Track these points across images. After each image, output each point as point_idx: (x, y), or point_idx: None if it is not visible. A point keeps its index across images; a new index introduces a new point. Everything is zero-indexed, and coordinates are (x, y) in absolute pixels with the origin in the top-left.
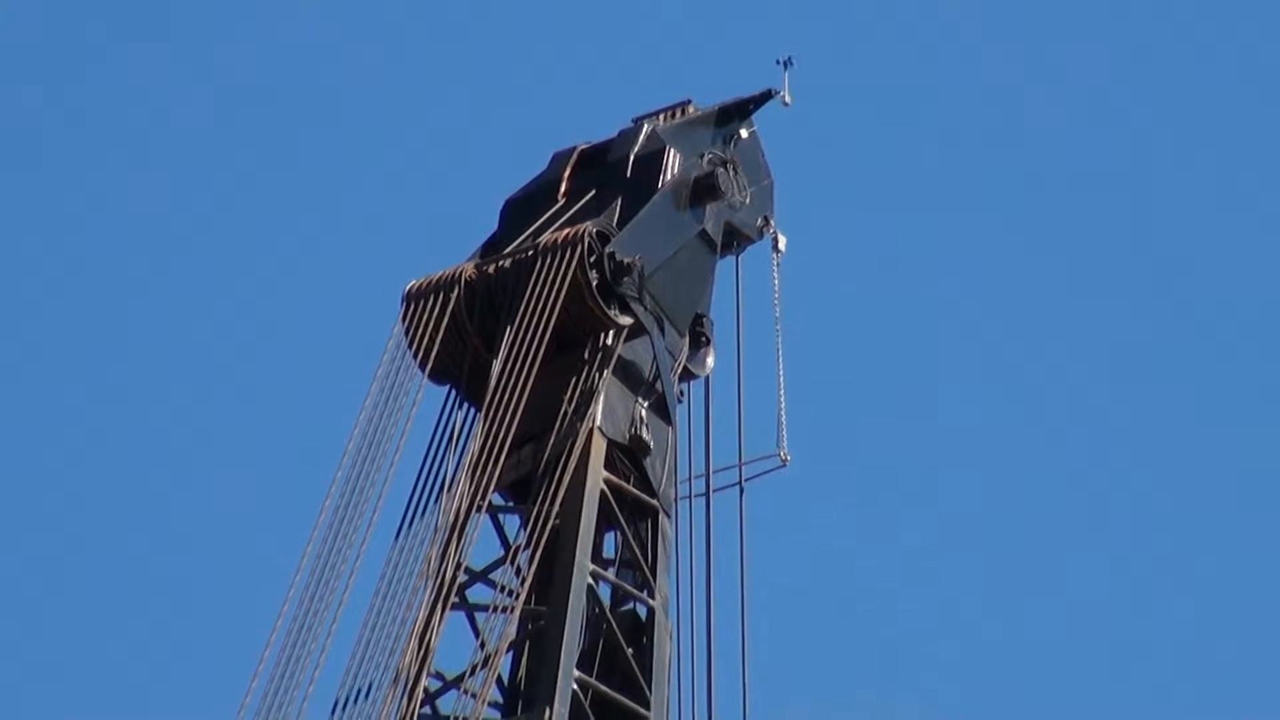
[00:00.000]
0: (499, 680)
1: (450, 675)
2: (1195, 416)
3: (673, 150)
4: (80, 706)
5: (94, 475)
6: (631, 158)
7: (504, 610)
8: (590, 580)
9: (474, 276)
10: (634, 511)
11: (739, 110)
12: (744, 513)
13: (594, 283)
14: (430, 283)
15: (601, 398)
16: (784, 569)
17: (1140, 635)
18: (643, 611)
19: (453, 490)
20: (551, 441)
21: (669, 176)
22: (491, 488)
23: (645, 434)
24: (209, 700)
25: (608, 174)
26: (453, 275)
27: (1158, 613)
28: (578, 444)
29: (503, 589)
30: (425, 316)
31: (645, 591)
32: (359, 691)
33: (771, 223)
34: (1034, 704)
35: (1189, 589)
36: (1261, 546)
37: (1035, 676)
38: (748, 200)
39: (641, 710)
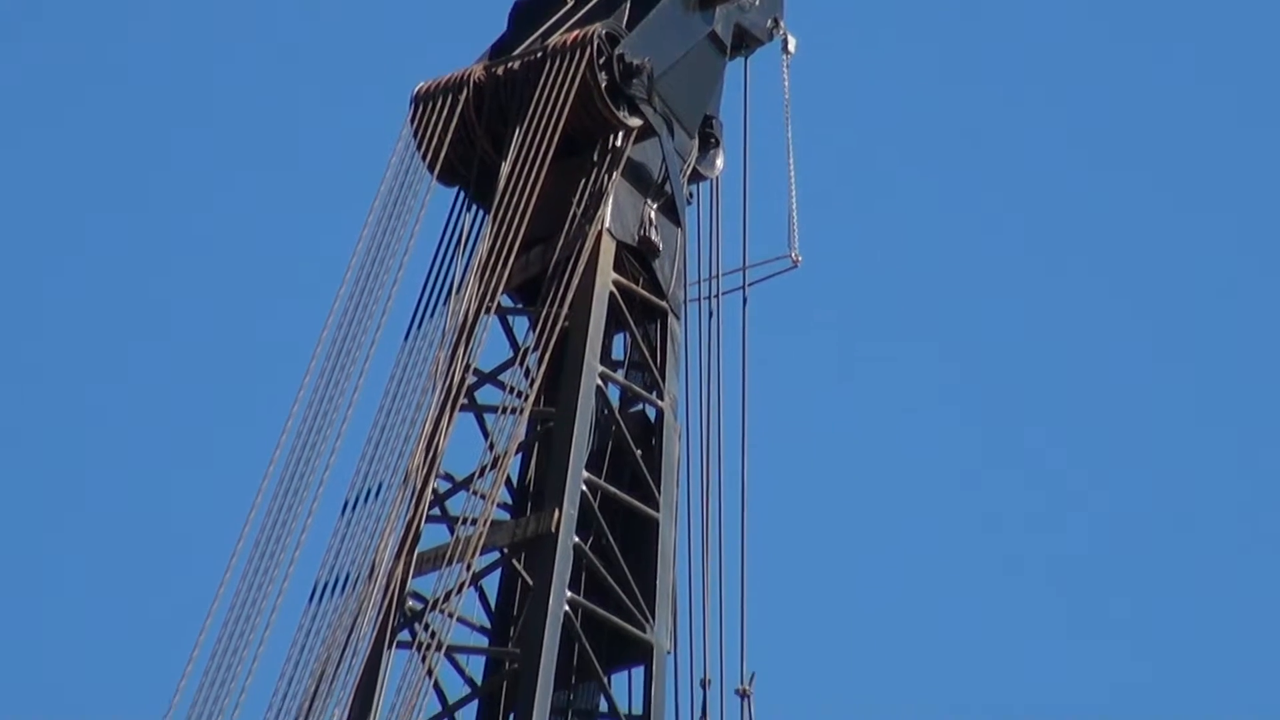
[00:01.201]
0: (508, 481)
1: (459, 477)
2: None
3: None
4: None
5: (98, 279)
6: None
7: (513, 411)
8: (599, 382)
9: (483, 78)
10: (643, 313)
11: None
12: (747, 316)
13: (603, 84)
14: (439, 85)
15: (610, 199)
16: (796, 369)
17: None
18: (651, 413)
19: (461, 292)
20: (560, 243)
21: None
22: (500, 289)
23: (654, 235)
24: (220, 498)
25: None
26: (461, 77)
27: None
28: (586, 245)
29: (512, 390)
30: (434, 118)
31: (654, 393)
32: (368, 492)
33: (781, 24)
34: None
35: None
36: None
37: None
38: (757, 2)
39: (650, 511)
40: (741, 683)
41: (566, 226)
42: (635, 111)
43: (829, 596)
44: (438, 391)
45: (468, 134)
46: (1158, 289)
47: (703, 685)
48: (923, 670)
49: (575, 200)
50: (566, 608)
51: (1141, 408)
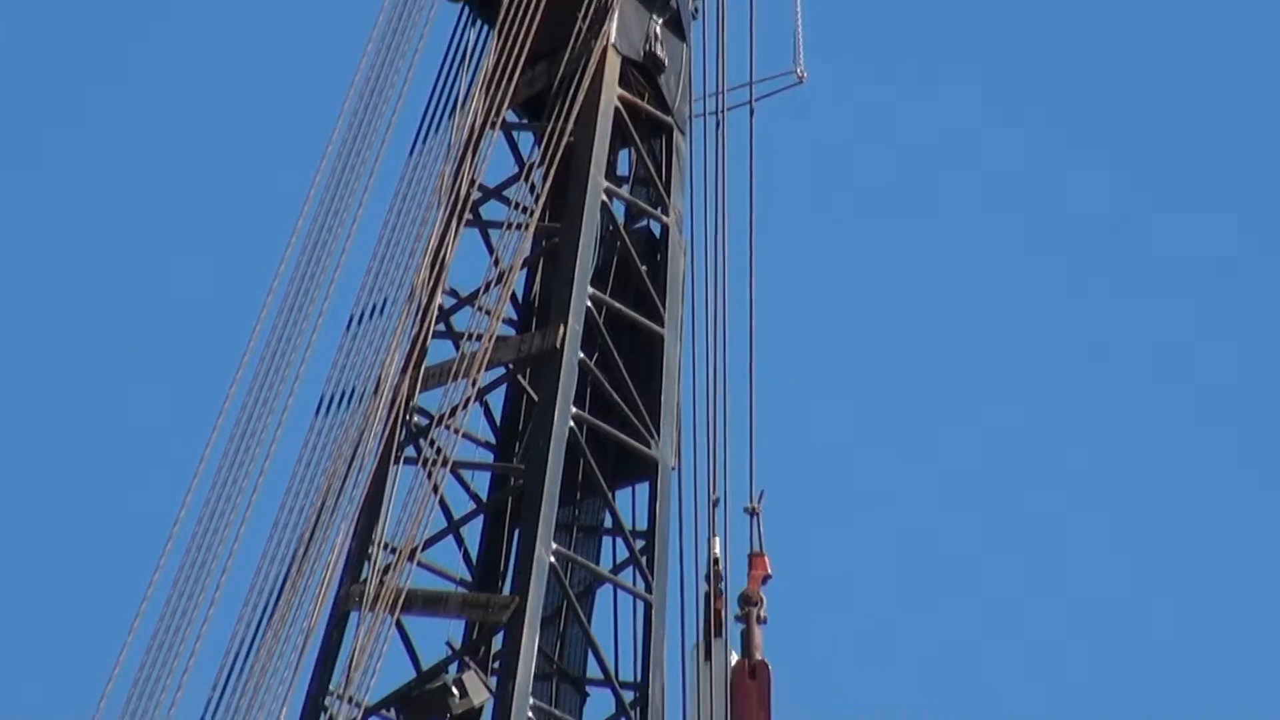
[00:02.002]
0: (513, 297)
1: (464, 293)
2: None
3: None
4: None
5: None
6: None
7: (518, 227)
8: (604, 197)
9: None
10: (648, 129)
11: None
12: (754, 131)
13: None
14: None
15: (616, 14)
16: (801, 186)
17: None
18: (656, 229)
19: (466, 107)
20: (565, 59)
21: None
22: (505, 105)
23: (660, 50)
24: (225, 313)
25: None
26: None
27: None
28: (592, 60)
29: (517, 206)
30: None
31: (659, 209)
32: (374, 308)
33: None
34: None
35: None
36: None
37: None
38: None
39: (655, 327)
40: (750, 500)
41: (571, 42)
42: None
43: (838, 414)
44: (443, 207)
45: None
46: None
47: (712, 504)
48: (930, 487)
49: (580, 15)
50: (571, 424)
51: None
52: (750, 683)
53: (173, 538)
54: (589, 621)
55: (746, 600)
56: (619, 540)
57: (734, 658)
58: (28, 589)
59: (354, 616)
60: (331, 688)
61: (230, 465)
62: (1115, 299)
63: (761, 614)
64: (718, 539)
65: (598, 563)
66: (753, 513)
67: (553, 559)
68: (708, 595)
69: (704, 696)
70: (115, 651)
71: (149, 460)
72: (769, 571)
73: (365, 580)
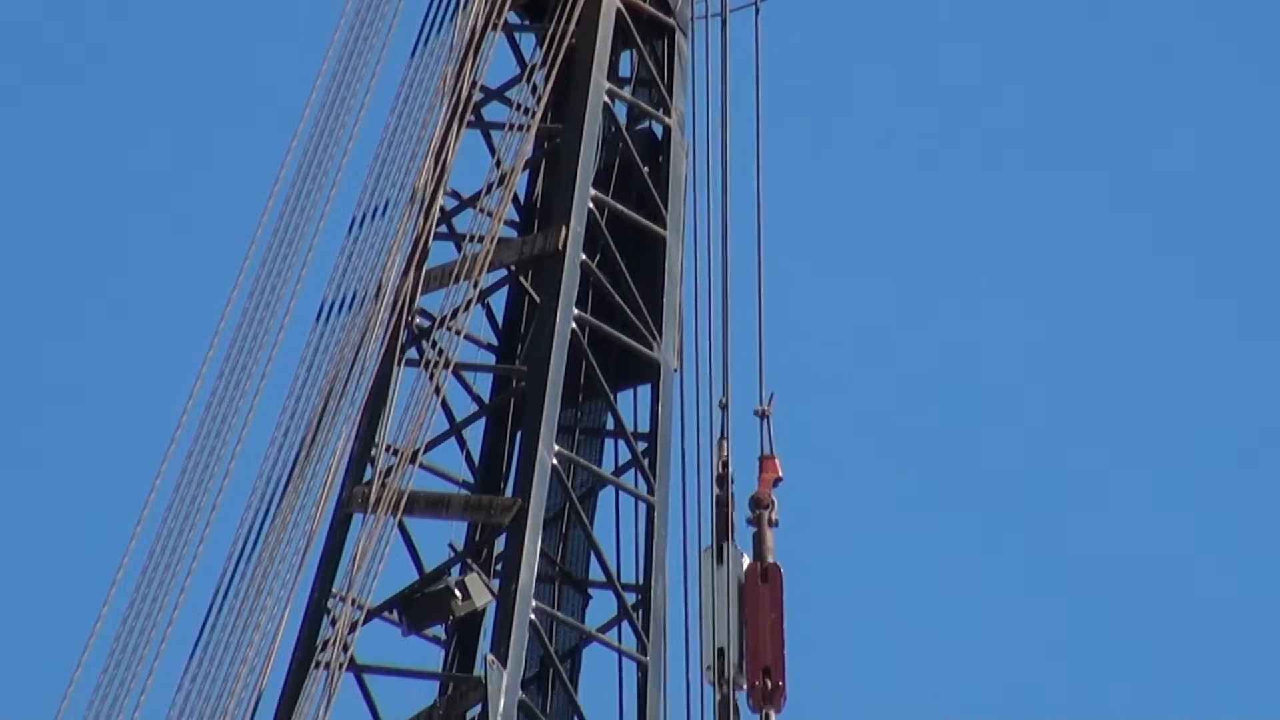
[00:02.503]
0: (514, 199)
1: (466, 194)
2: None
3: None
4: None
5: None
6: None
7: (520, 129)
8: (606, 99)
9: None
10: (650, 30)
11: None
12: (760, 31)
13: None
14: None
15: None
16: (803, 89)
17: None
18: (659, 131)
19: (468, 8)
20: None
21: None
22: (507, 5)
23: None
24: (227, 215)
25: None
26: None
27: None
28: None
29: (518, 107)
30: None
31: (661, 110)
32: (375, 210)
33: None
34: None
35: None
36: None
37: None
38: None
39: (657, 229)
40: (760, 403)
41: None
42: None
43: (846, 318)
44: (445, 108)
45: None
46: None
47: (722, 407)
48: (944, 384)
49: None
50: (573, 325)
51: None
52: (762, 586)
53: (174, 442)
54: (591, 524)
55: (757, 503)
56: (621, 442)
57: (746, 561)
58: (28, 476)
59: (356, 519)
60: (334, 590)
61: (232, 370)
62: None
63: (773, 517)
64: (727, 442)
65: (600, 465)
66: (763, 415)
67: (555, 461)
68: (718, 498)
69: (715, 600)
70: (117, 560)
71: (150, 364)
72: (780, 474)
73: (367, 483)
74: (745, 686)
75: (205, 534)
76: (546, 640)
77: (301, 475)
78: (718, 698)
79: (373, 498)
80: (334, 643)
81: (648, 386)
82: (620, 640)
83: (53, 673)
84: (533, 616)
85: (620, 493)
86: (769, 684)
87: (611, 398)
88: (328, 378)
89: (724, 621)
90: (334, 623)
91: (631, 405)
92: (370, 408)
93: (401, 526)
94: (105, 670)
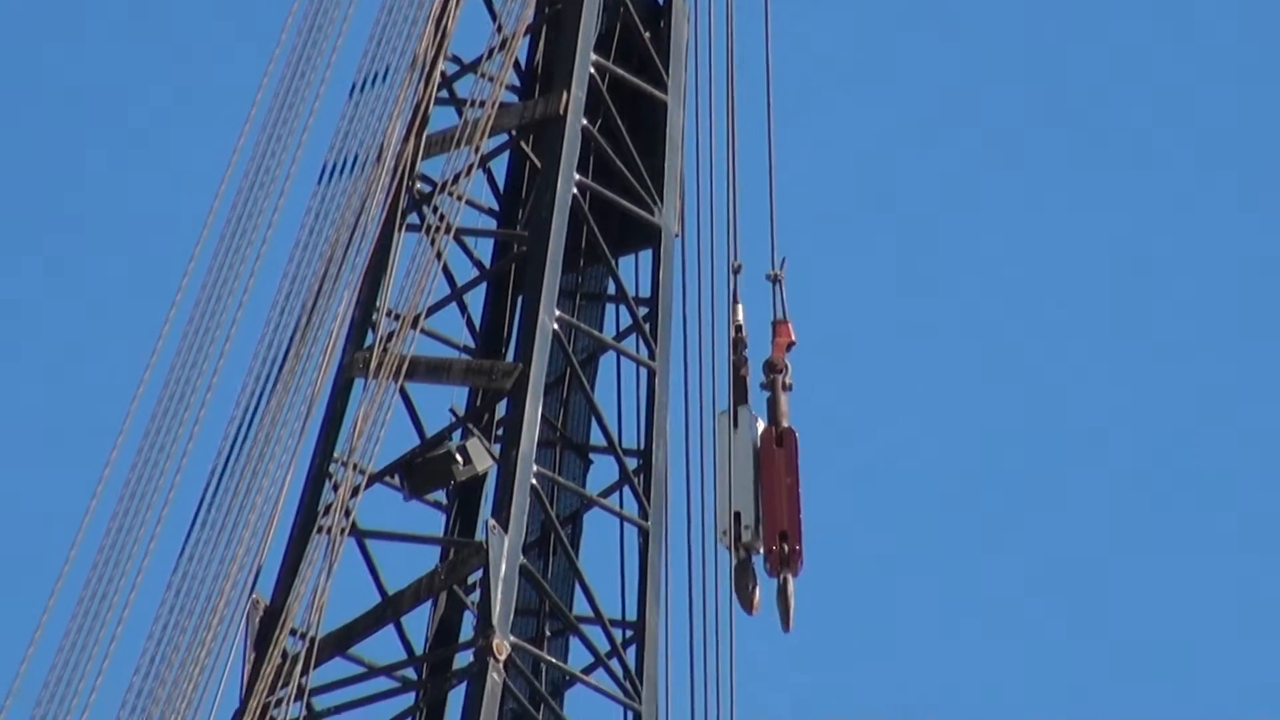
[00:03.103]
0: (516, 64)
1: (467, 59)
2: None
3: None
4: None
5: None
6: None
7: None
8: None
9: None
10: None
11: None
12: None
13: None
14: None
15: None
16: None
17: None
18: None
19: None
20: None
21: None
22: None
23: None
24: (224, 80)
25: None
26: None
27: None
28: None
29: None
30: None
31: None
32: (376, 75)
33: None
34: None
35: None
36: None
37: None
38: None
39: (659, 94)
40: (773, 268)
41: None
42: None
43: (860, 178)
44: None
45: None
46: None
47: (734, 271)
48: (952, 252)
49: None
50: (575, 190)
51: None
52: (777, 450)
53: (175, 307)
54: (592, 389)
55: (771, 368)
56: (622, 308)
57: (760, 426)
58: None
59: (358, 384)
60: (336, 455)
61: (233, 235)
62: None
63: (787, 381)
64: (740, 306)
65: (600, 330)
66: (775, 280)
67: (556, 326)
68: (733, 362)
69: (731, 465)
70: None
71: (150, 230)
72: (793, 338)
73: (369, 348)
74: (761, 551)
75: (206, 399)
76: (547, 505)
77: (303, 341)
78: (734, 563)
79: (374, 363)
80: (336, 508)
81: (649, 252)
82: (621, 506)
83: (54, 529)
84: (534, 481)
85: (621, 358)
86: (785, 548)
87: (613, 263)
88: (329, 243)
89: (739, 486)
90: (336, 488)
91: (633, 271)
92: (371, 273)
93: (403, 392)
94: (106, 535)
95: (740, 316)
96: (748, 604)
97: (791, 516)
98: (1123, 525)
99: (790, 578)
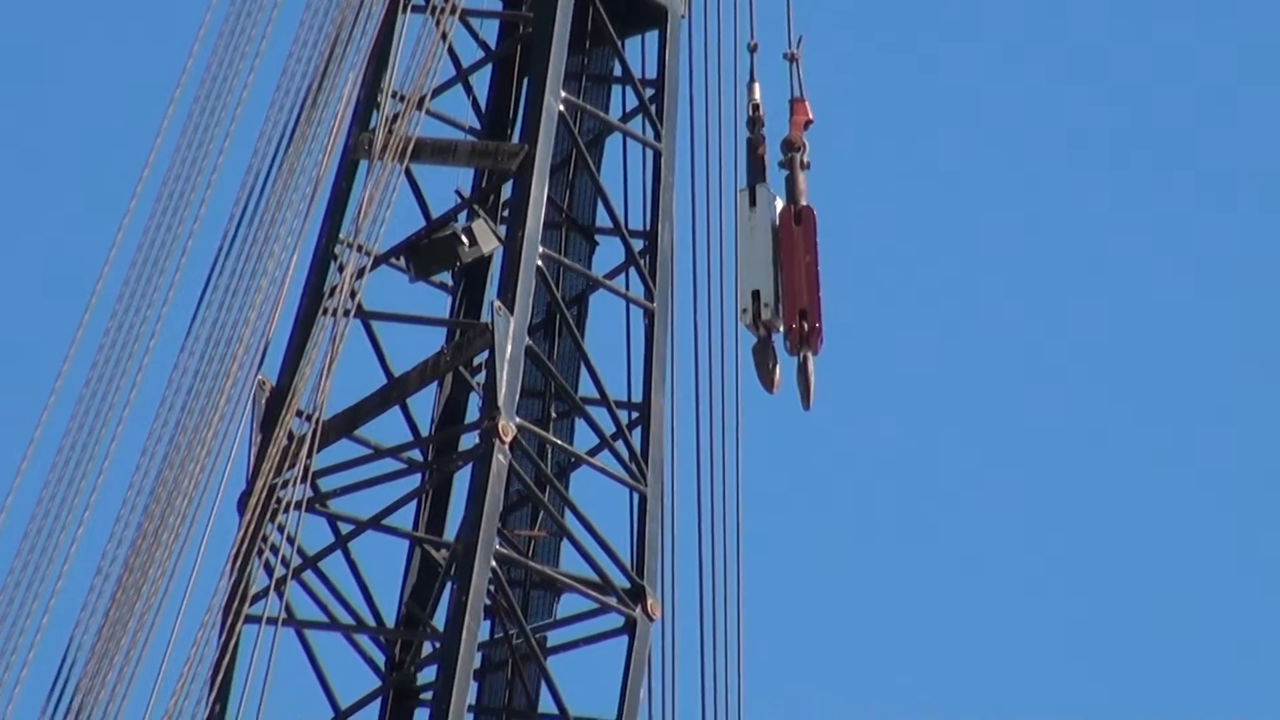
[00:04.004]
0: None
1: None
2: None
3: None
4: None
5: None
6: None
7: None
8: None
9: None
10: None
11: None
12: None
13: None
14: None
15: None
16: None
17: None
18: None
19: None
20: None
21: None
22: None
23: None
24: None
25: None
26: None
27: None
28: None
29: None
30: None
31: None
32: None
33: None
34: None
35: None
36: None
37: None
38: None
39: None
40: (789, 46)
41: None
42: None
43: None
44: None
45: None
46: None
47: (750, 50)
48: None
49: None
50: None
51: None
52: (795, 228)
53: (180, 87)
54: (598, 171)
55: (789, 146)
56: (629, 90)
57: (779, 205)
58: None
59: (363, 165)
60: (341, 237)
61: (238, 16)
62: None
63: (805, 159)
64: (757, 85)
65: (607, 112)
66: (792, 59)
67: (561, 107)
68: (749, 141)
69: (749, 243)
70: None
71: (156, 8)
72: (810, 117)
73: (374, 129)
74: (781, 329)
75: (212, 181)
76: (553, 286)
77: (307, 123)
78: (755, 341)
79: (379, 144)
80: (341, 290)
81: (655, 33)
82: (627, 287)
83: (58, 314)
84: (539, 263)
85: (627, 140)
86: (805, 326)
87: (619, 44)
88: (333, 24)
89: (758, 264)
90: (341, 270)
91: (639, 53)
92: (376, 55)
93: (408, 174)
94: (113, 318)
95: (757, 95)
96: (768, 382)
97: (811, 294)
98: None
99: (810, 355)
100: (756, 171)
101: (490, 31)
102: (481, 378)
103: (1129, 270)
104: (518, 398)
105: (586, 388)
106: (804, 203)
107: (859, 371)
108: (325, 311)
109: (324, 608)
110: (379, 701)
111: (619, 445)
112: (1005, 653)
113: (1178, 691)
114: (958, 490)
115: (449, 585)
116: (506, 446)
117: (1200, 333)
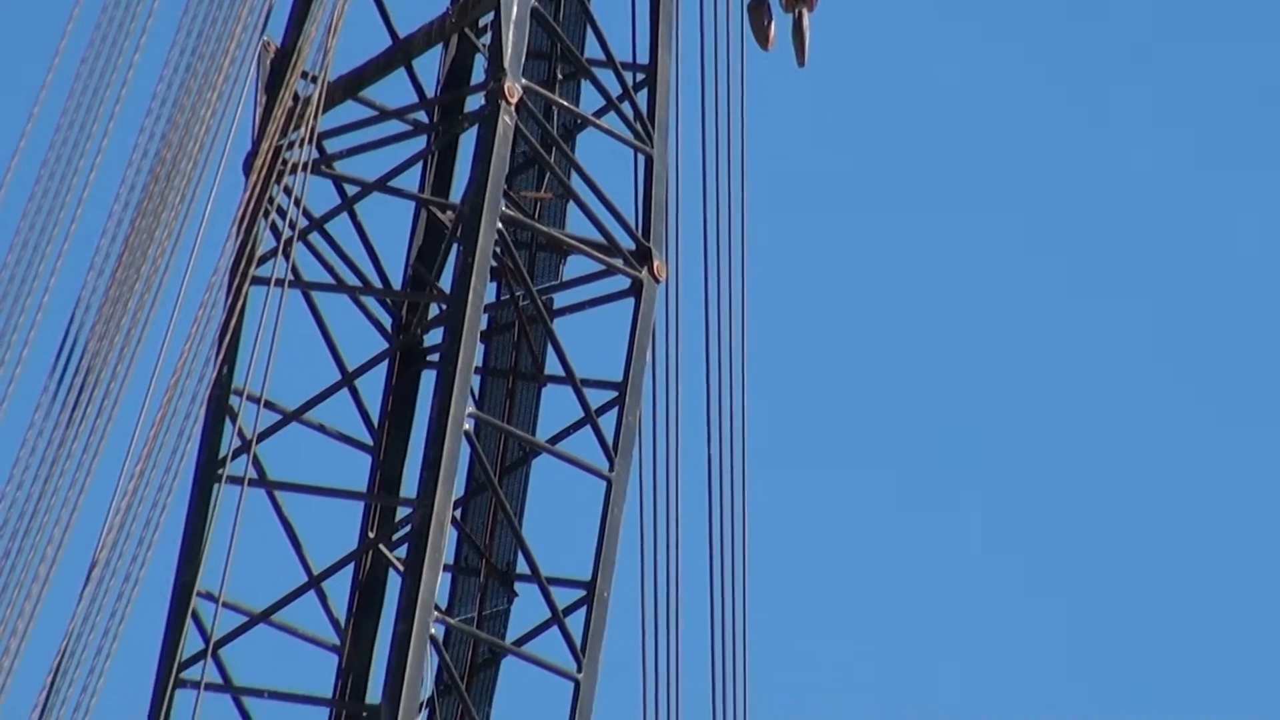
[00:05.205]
0: None
1: None
2: None
3: None
4: None
5: None
6: None
7: None
8: None
9: None
10: None
11: None
12: None
13: None
14: None
15: None
16: None
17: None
18: None
19: None
20: None
21: None
22: None
23: None
24: None
25: None
26: None
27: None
28: None
29: None
30: None
31: None
32: None
33: None
34: None
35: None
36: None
37: None
38: None
39: None
40: None
41: None
42: None
43: None
44: None
45: None
46: None
47: None
48: None
49: None
50: None
51: None
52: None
53: None
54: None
55: None
56: None
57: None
58: None
59: None
60: None
61: None
62: None
63: None
64: None
65: None
66: None
67: None
68: None
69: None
70: None
71: None
72: None
73: None
74: None
75: None
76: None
77: None
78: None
79: None
80: None
81: None
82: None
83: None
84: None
85: None
86: None
87: None
88: None
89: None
90: None
91: None
92: None
93: None
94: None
95: None
96: (763, 39)
97: None
98: None
99: (805, 12)
100: None
101: None
102: (487, 39)
103: (1129, 270)
104: (524, 59)
105: (593, 49)
106: None
107: (858, 371)
108: None
109: (330, 270)
110: (385, 363)
111: (625, 106)
112: (1005, 653)
113: (1177, 691)
114: (958, 490)
115: (455, 247)
116: (512, 108)
117: (1199, 333)
